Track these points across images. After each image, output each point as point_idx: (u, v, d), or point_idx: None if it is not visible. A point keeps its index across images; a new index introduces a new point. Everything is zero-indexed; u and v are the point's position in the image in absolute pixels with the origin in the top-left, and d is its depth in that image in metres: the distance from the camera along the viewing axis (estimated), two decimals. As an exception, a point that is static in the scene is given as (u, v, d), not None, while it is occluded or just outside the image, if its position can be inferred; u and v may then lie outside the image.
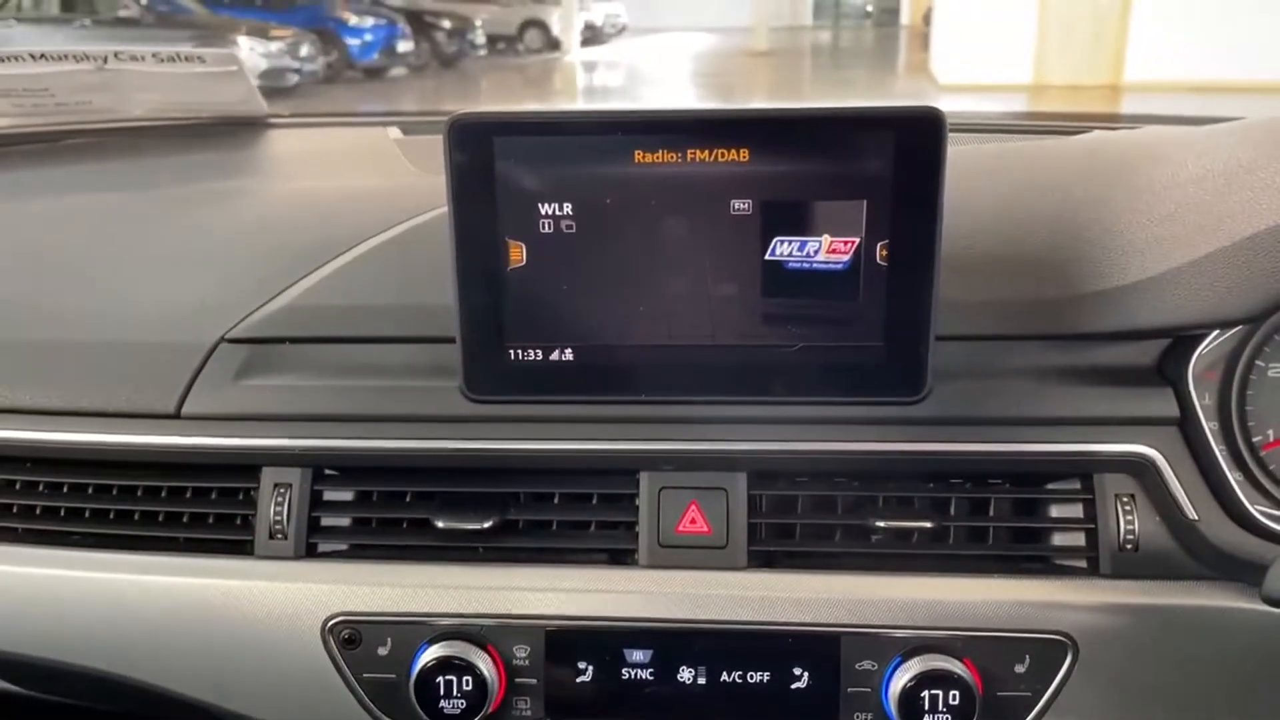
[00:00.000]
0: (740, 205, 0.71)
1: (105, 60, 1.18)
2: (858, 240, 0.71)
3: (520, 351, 0.74)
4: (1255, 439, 0.77)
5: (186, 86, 1.23)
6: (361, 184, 1.05)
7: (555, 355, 0.75)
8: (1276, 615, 0.69)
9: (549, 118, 0.71)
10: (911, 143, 0.69)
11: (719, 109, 0.71)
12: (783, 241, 0.71)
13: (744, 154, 0.70)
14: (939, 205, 0.69)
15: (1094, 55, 11.41)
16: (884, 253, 0.71)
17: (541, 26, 18.04)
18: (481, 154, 0.70)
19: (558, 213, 0.71)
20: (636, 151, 0.70)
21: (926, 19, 15.69)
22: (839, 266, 0.72)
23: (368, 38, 13.25)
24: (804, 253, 0.72)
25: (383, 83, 13.33)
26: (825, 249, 0.71)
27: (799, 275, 0.71)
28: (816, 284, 0.72)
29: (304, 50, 11.46)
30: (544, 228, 0.71)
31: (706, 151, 0.70)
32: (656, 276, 0.72)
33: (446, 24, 15.25)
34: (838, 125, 0.70)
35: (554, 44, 17.98)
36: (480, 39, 16.23)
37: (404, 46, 13.92)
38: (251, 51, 10.80)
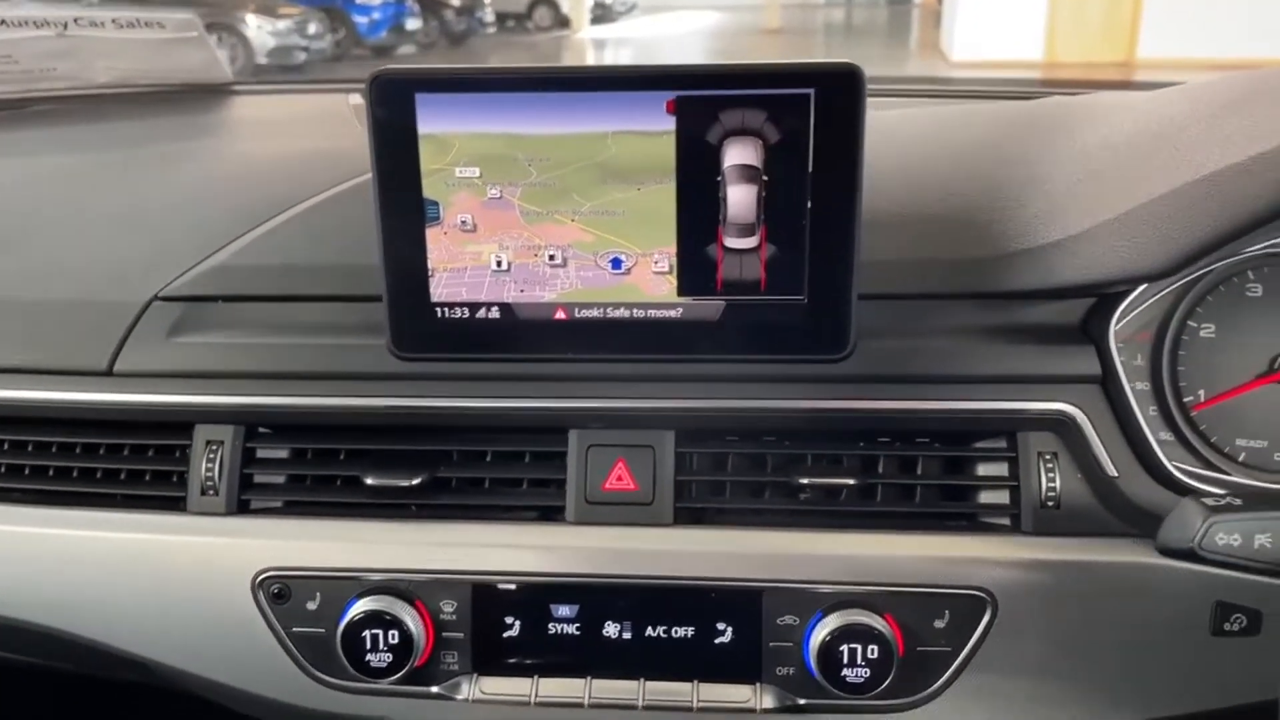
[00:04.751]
0: (664, 163, 0.71)
1: (66, 26, 1.19)
2: (780, 197, 0.71)
3: (447, 309, 0.75)
4: (1186, 399, 0.77)
5: (148, 53, 1.23)
6: (309, 147, 1.06)
7: (482, 313, 0.75)
8: (1192, 570, 0.69)
9: (471, 74, 0.71)
10: (831, 99, 0.69)
11: (642, 65, 0.71)
12: (707, 200, 0.72)
13: (667, 110, 0.70)
14: (859, 162, 0.69)
15: (1107, 32, 11.29)
16: (807, 209, 0.71)
17: (551, 4, 17.97)
18: (403, 110, 0.71)
19: (479, 172, 0.72)
20: (559, 109, 0.71)
21: (939, -4, 15.56)
22: (762, 223, 0.72)
23: (376, 15, 13.23)
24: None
25: (391, 60, 13.28)
26: (750, 206, 0.72)
27: None
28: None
29: (312, 28, 11.46)
30: (465, 187, 0.72)
31: (630, 110, 0.70)
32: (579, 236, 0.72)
33: (455, 1, 15.21)
34: (759, 81, 0.70)
35: (563, 21, 17.92)
36: (489, 16, 16.21)
37: (412, 24, 13.91)
38: (259, 29, 10.83)
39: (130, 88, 1.26)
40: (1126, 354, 0.77)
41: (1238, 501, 0.63)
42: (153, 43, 1.23)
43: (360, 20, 13.06)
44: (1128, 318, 0.77)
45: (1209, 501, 0.64)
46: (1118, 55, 11.24)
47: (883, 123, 0.93)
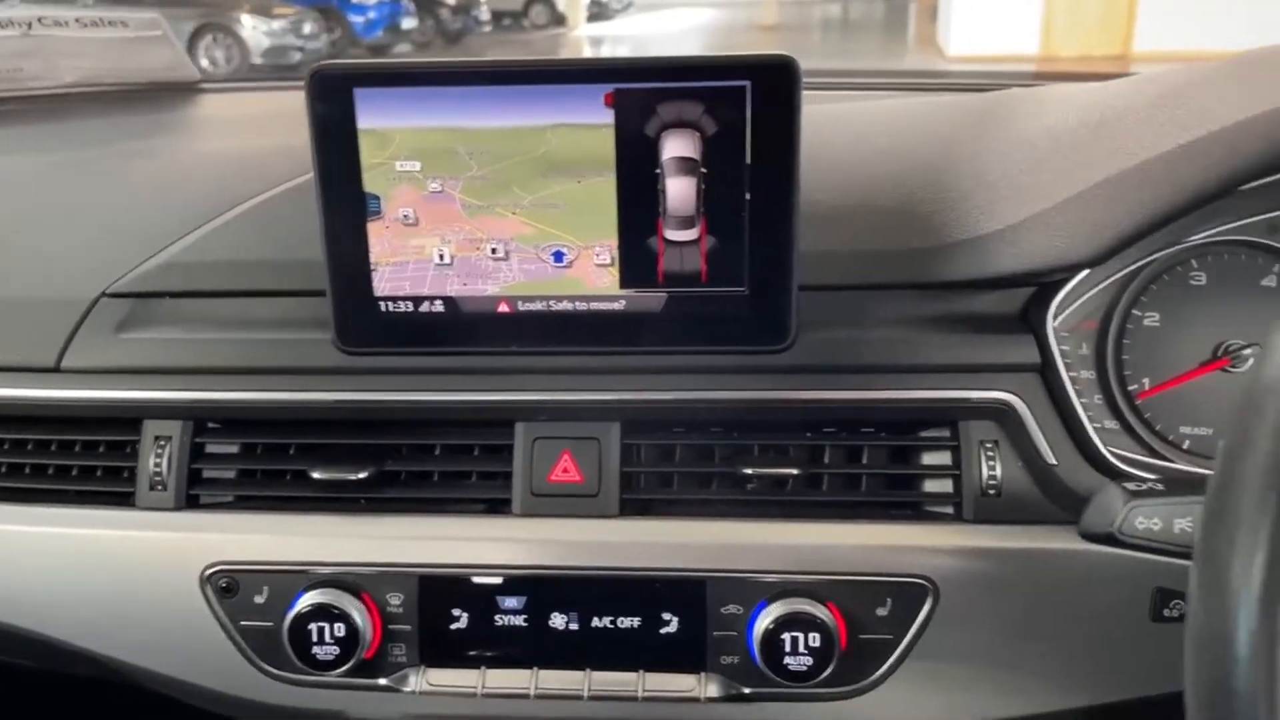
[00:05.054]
0: (603, 156, 0.71)
1: (30, 26, 1.19)
2: (719, 189, 0.72)
3: (390, 303, 0.75)
4: (1131, 388, 0.78)
5: (112, 52, 1.24)
6: (269, 143, 1.06)
7: (425, 307, 0.76)
8: (1131, 557, 0.69)
9: (409, 68, 0.71)
10: (767, 91, 0.69)
11: (581, 58, 0.71)
12: (646, 192, 0.72)
13: (606, 103, 0.70)
14: (795, 154, 0.70)
15: (1103, 25, 11.28)
16: (745, 200, 0.72)
17: (547, 1, 17.95)
18: (342, 106, 0.71)
19: (420, 166, 0.72)
20: (498, 103, 0.71)
21: (935, -9, 15.53)
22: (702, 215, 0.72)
23: (371, 15, 13.21)
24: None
25: (387, 60, 13.29)
26: (690, 198, 0.72)
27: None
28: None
29: (307, 28, 11.44)
30: (406, 181, 0.72)
31: (568, 103, 0.71)
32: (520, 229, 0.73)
33: (451, 0, 15.21)
34: (696, 73, 0.70)
35: (560, 19, 17.91)
36: (485, 14, 16.19)
37: (408, 23, 13.89)
38: (254, 29, 10.82)
39: (97, 87, 1.26)
40: (1072, 343, 0.77)
41: (1160, 486, 0.64)
42: (117, 42, 1.23)
43: (356, 20, 13.03)
44: (1072, 306, 0.77)
45: (1131, 486, 0.64)
46: (1114, 49, 11.22)
47: (833, 115, 0.93)
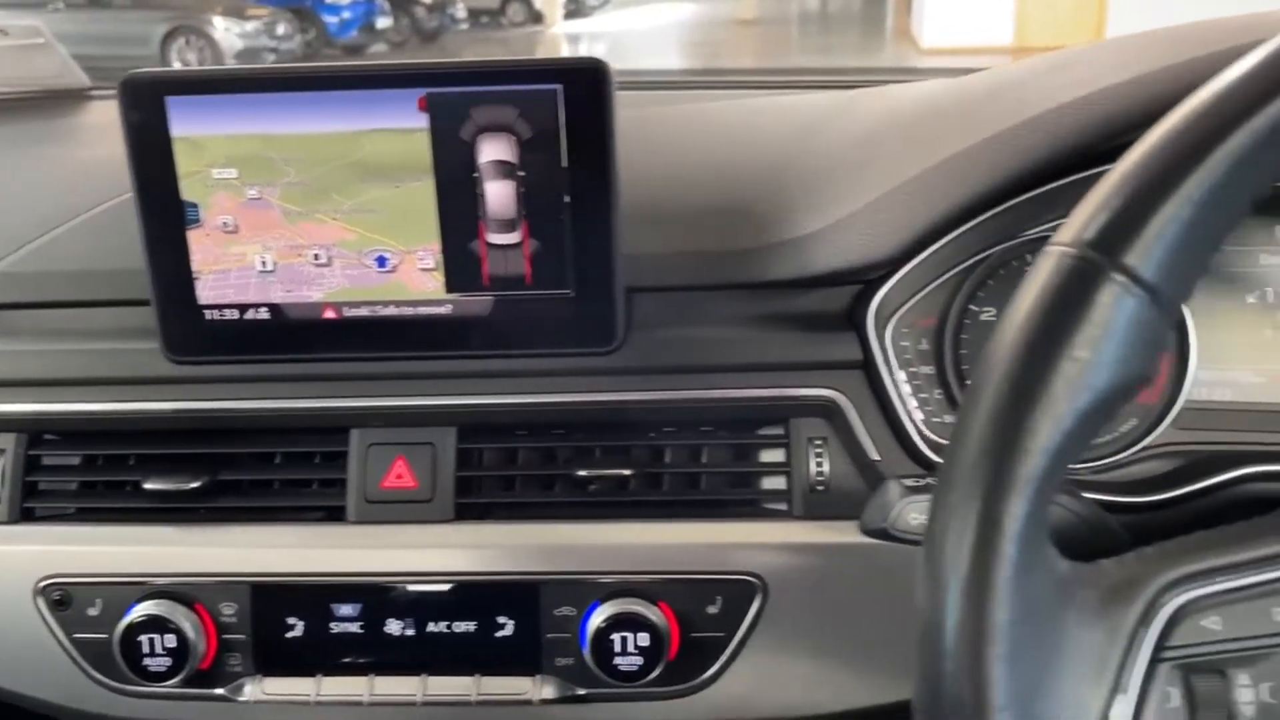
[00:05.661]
0: (420, 160, 0.71)
1: (-93, 37, 1.18)
2: (537, 192, 0.72)
3: (215, 312, 0.75)
4: (969, 382, 0.77)
5: (-3, 60, 1.23)
6: None
7: (250, 314, 0.75)
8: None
9: (221, 75, 0.71)
10: (579, 94, 0.70)
11: (393, 63, 0.71)
12: (465, 196, 0.72)
13: (419, 107, 0.70)
14: (610, 156, 0.70)
15: (1075, 15, 11.31)
16: (565, 203, 0.72)
17: (524, -1, 17.91)
18: (155, 114, 0.71)
19: (237, 173, 0.72)
20: (312, 109, 0.71)
21: (912, -18, 15.55)
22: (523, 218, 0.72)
23: (346, 15, 13.14)
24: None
25: (362, 60, 13.22)
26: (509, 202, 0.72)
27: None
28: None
29: (281, 29, 11.39)
30: (224, 189, 0.72)
31: (382, 108, 0.71)
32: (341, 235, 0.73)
33: (427, -2, 15.16)
34: (507, 77, 0.70)
35: (537, 17, 17.85)
36: (461, 13, 16.13)
37: (383, 22, 13.83)
38: (227, 31, 10.77)
39: (-14, 96, 1.25)
40: (911, 338, 0.77)
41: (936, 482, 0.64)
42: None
43: (330, 20, 12.96)
44: (910, 303, 0.77)
45: (908, 482, 0.64)
46: (1087, 38, 11.25)
47: (677, 116, 0.93)
